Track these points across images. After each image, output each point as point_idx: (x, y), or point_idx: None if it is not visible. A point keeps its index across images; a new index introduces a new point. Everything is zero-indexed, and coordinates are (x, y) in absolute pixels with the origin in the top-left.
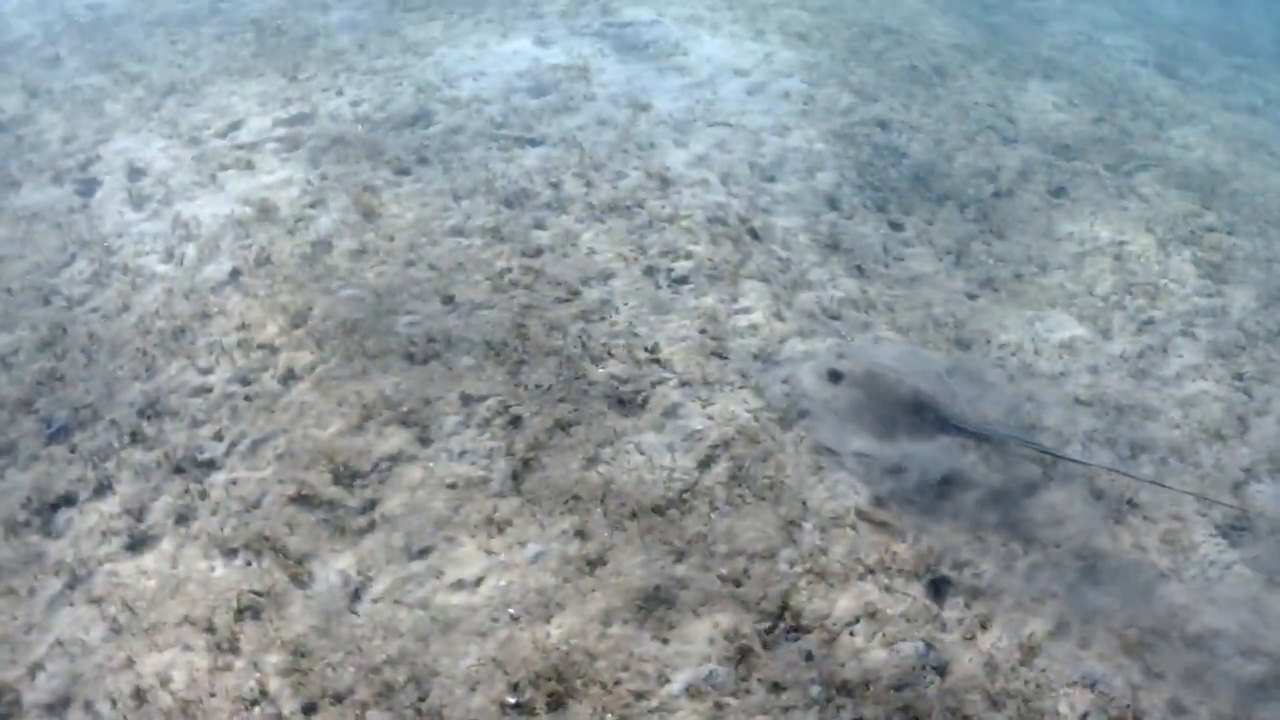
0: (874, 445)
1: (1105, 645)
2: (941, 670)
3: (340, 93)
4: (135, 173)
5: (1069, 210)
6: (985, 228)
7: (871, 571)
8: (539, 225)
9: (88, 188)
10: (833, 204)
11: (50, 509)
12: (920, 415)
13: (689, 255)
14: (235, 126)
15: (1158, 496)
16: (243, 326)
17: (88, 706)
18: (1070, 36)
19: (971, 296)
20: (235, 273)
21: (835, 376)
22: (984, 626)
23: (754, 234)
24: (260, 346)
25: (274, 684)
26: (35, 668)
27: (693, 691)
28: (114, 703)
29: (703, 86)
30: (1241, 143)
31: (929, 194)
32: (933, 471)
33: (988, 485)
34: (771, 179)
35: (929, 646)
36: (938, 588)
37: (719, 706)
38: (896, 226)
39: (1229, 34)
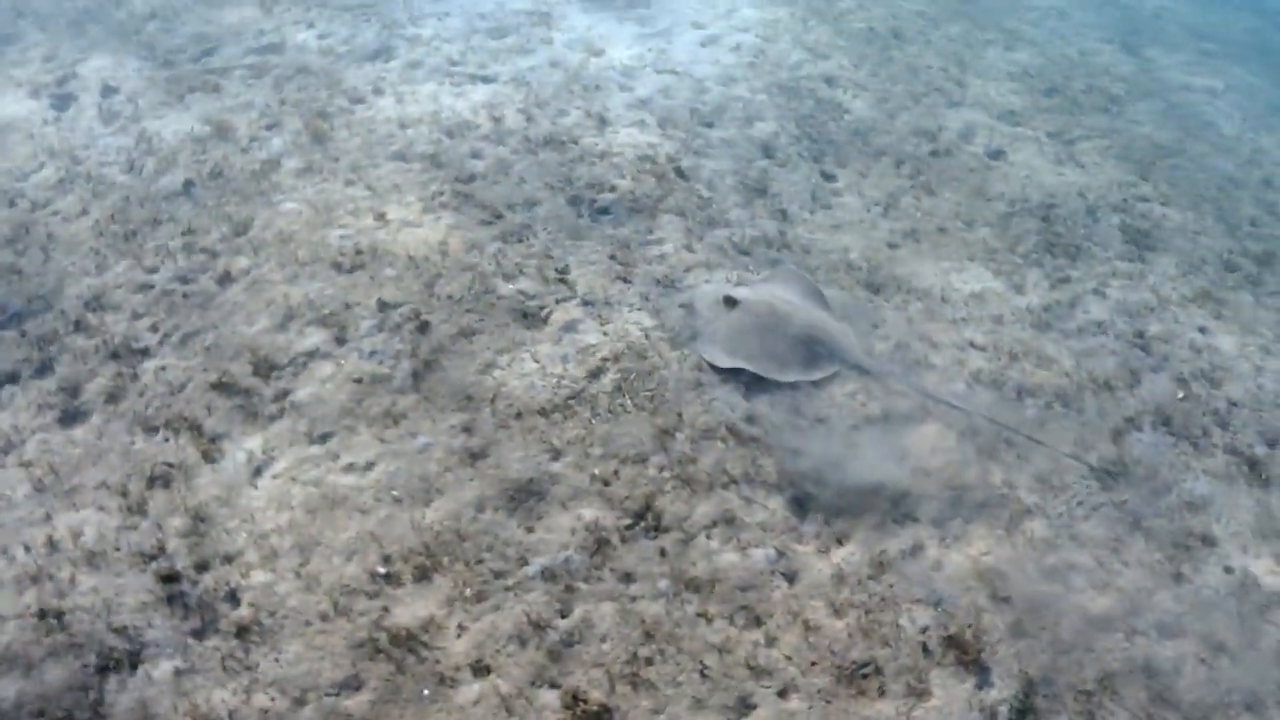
0: (757, 369)
1: (957, 569)
2: (790, 577)
3: (311, 25)
4: (109, 90)
5: (1004, 172)
6: (918, 183)
7: (735, 482)
8: (475, 155)
9: (62, 103)
10: (767, 152)
11: None
12: (809, 347)
13: (613, 189)
14: (209, 53)
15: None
16: (189, 232)
17: (3, 551)
18: (1041, 11)
19: (892, 246)
20: (189, 184)
21: (730, 302)
22: (840, 542)
23: (680, 173)
24: (202, 250)
25: (173, 543)
26: None
27: (548, 575)
28: (28, 549)
29: (658, 36)
30: (1193, 122)
31: (866, 149)
32: (806, 401)
33: (861, 415)
34: (710, 124)
35: (780, 554)
36: (800, 503)
37: (569, 590)
38: (829, 177)
39: (1207, 21)
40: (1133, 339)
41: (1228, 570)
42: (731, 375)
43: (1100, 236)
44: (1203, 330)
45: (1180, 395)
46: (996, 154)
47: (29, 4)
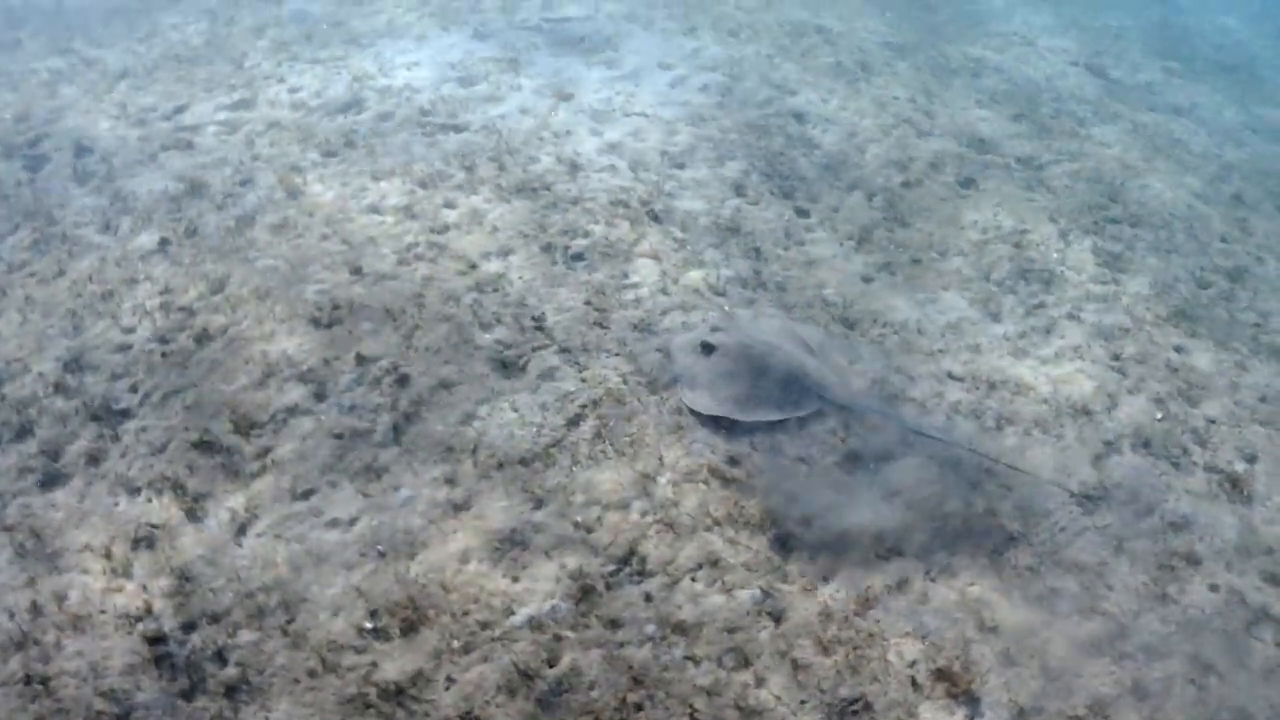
0: (738, 412)
1: (944, 601)
2: (777, 617)
3: (282, 80)
4: (82, 150)
5: (975, 200)
6: (890, 215)
7: (719, 524)
8: (449, 204)
9: (36, 163)
10: (739, 190)
11: None
12: (787, 387)
13: (587, 234)
14: (180, 110)
15: (1016, 464)
16: (166, 291)
17: None
18: (1004, 38)
19: (867, 280)
20: (164, 242)
21: (707, 348)
22: (825, 579)
23: (654, 216)
24: (180, 309)
25: (159, 604)
26: None
27: (534, 624)
28: (11, 615)
29: (626, 79)
30: (1161, 139)
31: (838, 183)
32: (787, 441)
33: (843, 451)
34: (681, 166)
35: (766, 594)
36: (784, 542)
37: (557, 638)
38: (802, 213)
39: (1167, 40)
40: (1109, 362)
41: (1213, 589)
42: (713, 418)
43: (1073, 261)
44: (1179, 349)
45: (1159, 416)
46: (967, 182)
47: None
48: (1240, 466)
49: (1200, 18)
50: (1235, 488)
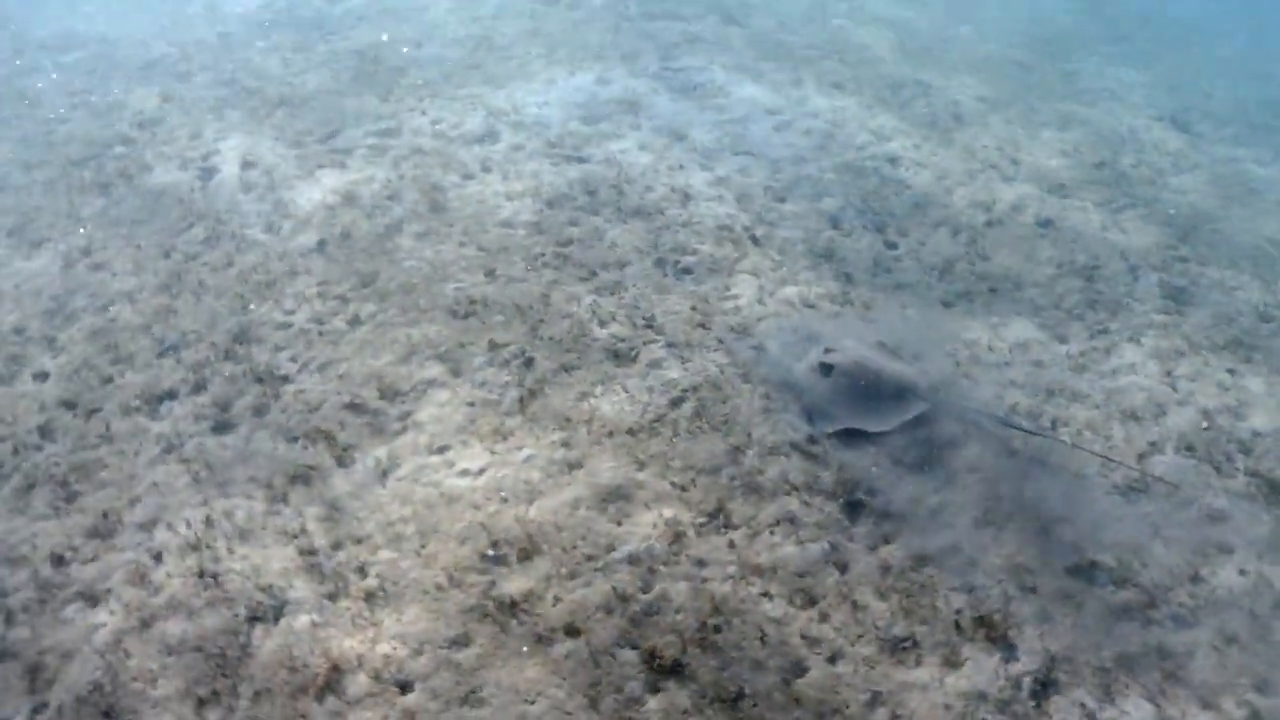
0: (868, 424)
1: (989, 565)
2: (842, 567)
3: (424, 113)
4: (247, 165)
5: (1053, 239)
6: (973, 250)
7: (796, 489)
8: (573, 222)
9: (207, 174)
10: (834, 223)
11: (157, 400)
12: (899, 395)
13: (695, 252)
14: (333, 135)
15: (1065, 459)
16: (323, 283)
17: (169, 526)
18: (1095, 94)
19: (946, 304)
20: (321, 243)
21: (826, 369)
22: (886, 540)
23: (755, 240)
24: (335, 298)
25: (311, 525)
26: (134, 500)
27: (632, 559)
28: (188, 524)
29: (736, 123)
30: (1238, 189)
31: (926, 220)
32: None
33: (915, 438)
34: (782, 200)
35: (833, 548)
36: (853, 509)
37: (651, 571)
38: (890, 245)
39: (1260, 98)
40: (1162, 378)
41: (1242, 573)
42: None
43: (1140, 293)
44: (1231, 371)
45: (1204, 425)
46: (1046, 223)
47: (174, 92)
48: None
49: None
50: (1274, 492)
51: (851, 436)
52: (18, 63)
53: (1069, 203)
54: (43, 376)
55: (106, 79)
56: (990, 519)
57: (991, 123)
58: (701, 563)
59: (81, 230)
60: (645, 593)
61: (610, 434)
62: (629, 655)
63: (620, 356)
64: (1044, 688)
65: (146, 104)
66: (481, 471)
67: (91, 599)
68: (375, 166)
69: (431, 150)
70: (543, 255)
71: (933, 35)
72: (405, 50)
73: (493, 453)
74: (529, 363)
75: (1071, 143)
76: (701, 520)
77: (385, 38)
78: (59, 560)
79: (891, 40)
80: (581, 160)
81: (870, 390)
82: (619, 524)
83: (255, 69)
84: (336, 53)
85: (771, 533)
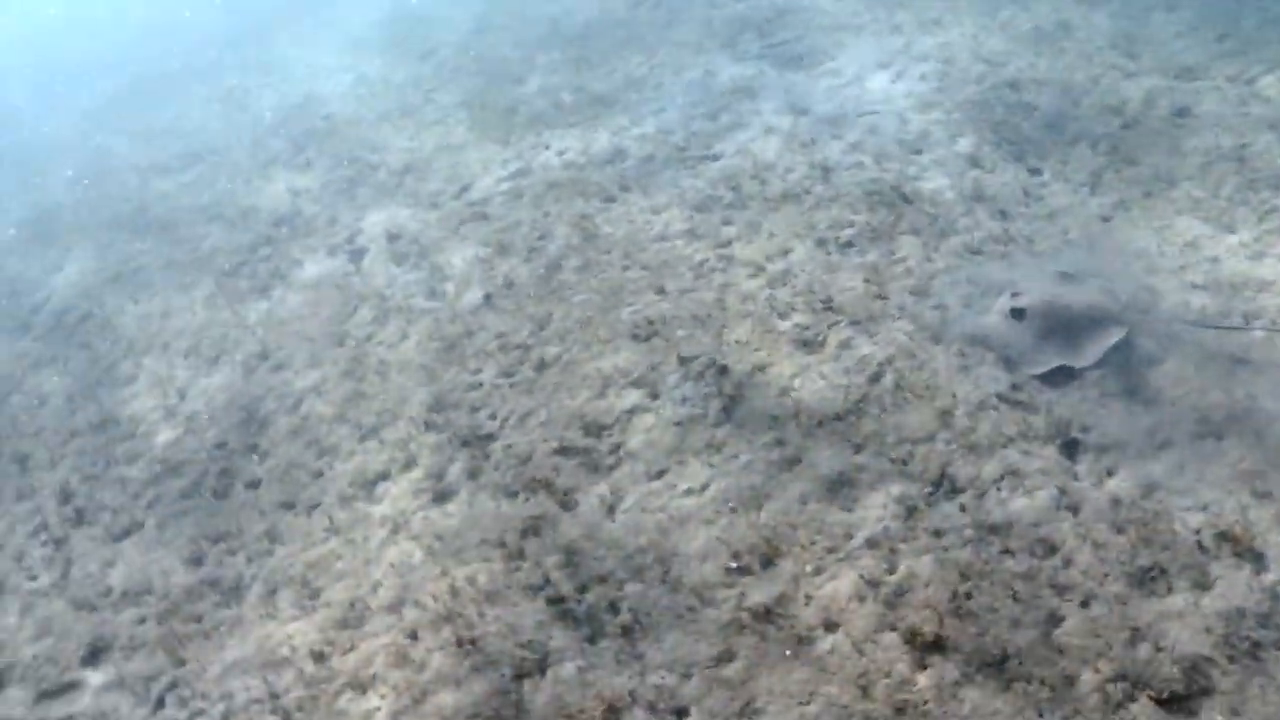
0: (1075, 359)
1: (1217, 477)
2: (1074, 509)
3: (547, 146)
4: (393, 237)
5: (1193, 127)
6: (1116, 158)
7: (1012, 440)
8: (726, 222)
9: (357, 255)
10: (974, 162)
11: (371, 484)
12: (1096, 324)
13: (851, 224)
14: (465, 189)
15: (1269, 353)
16: (500, 335)
17: (417, 603)
18: None
19: (1105, 219)
20: (488, 296)
21: (1018, 313)
22: (1110, 474)
23: (905, 198)
24: (516, 347)
25: (554, 574)
26: (376, 585)
27: (872, 542)
28: (434, 598)
29: (852, 84)
30: None
31: (1061, 138)
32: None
33: (1116, 362)
34: (918, 151)
35: (1061, 492)
36: (1070, 448)
37: (893, 551)
38: (1034, 172)
39: None
40: None
41: None
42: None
43: None
44: None
45: None
46: (1182, 111)
47: (298, 184)
48: None
49: None
50: None
51: (1053, 375)
52: (145, 193)
53: (1200, 84)
54: (255, 485)
55: (232, 187)
56: (1208, 430)
57: (1096, 21)
58: (938, 533)
59: (253, 337)
60: (891, 574)
61: (819, 423)
62: (890, 638)
63: (809, 344)
64: None
65: (277, 202)
66: (705, 487)
67: (360, 686)
68: (517, 210)
69: (566, 181)
70: (706, 260)
71: None
72: (507, 88)
73: (711, 466)
74: (723, 370)
75: (1185, 22)
76: (929, 490)
77: (484, 81)
78: (319, 656)
79: None
80: (715, 158)
81: (1066, 325)
82: (850, 511)
83: (370, 143)
84: (444, 108)
85: (998, 489)
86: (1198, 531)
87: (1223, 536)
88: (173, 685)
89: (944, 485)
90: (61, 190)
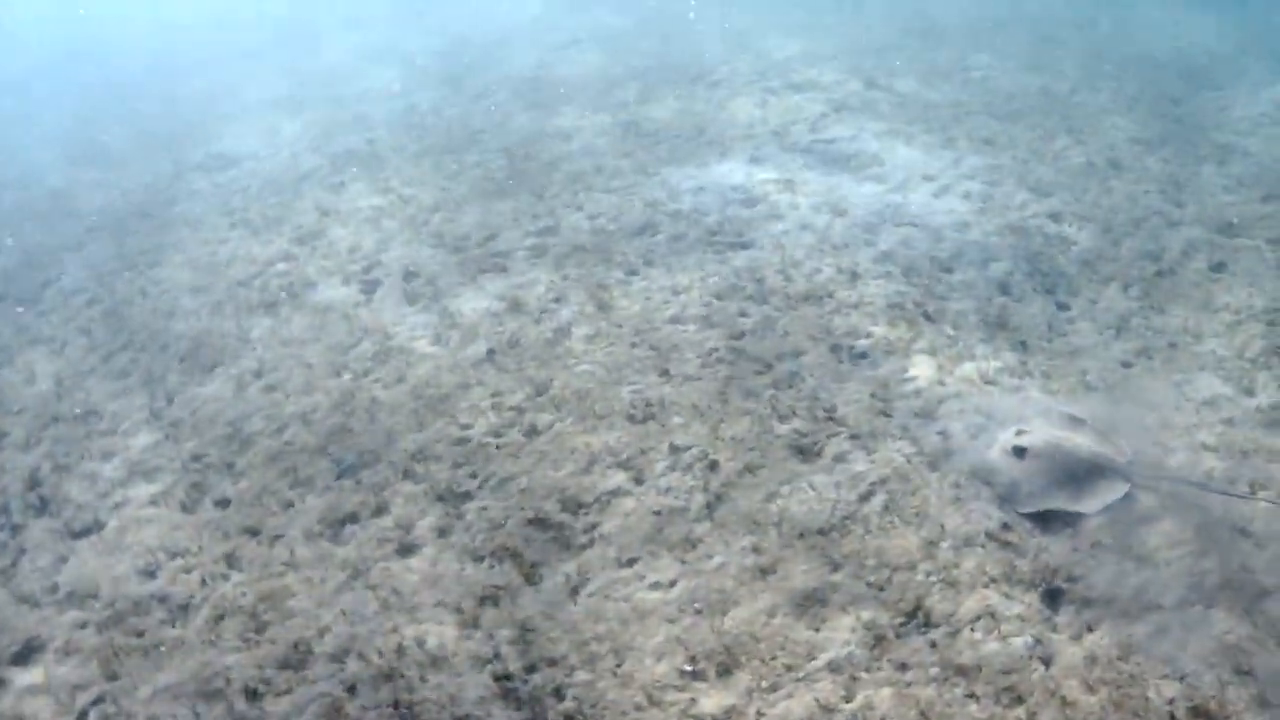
0: (1069, 504)
1: (1200, 648)
2: (1047, 661)
3: (579, 208)
4: (409, 275)
5: (1227, 284)
6: (1147, 304)
7: (995, 581)
8: (743, 313)
9: (370, 287)
10: (1004, 289)
11: (339, 524)
12: (1096, 473)
13: (869, 335)
14: (491, 238)
15: (1271, 526)
16: (496, 394)
17: (360, 655)
18: (1251, 121)
19: (1126, 364)
20: (491, 352)
21: (1020, 451)
22: (1090, 629)
23: (927, 316)
24: (510, 409)
25: (505, 649)
26: (323, 630)
27: (834, 666)
28: (380, 653)
29: (894, 191)
30: None
31: (1095, 277)
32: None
33: (1112, 514)
34: (949, 270)
35: (1037, 641)
36: (1053, 597)
37: (853, 679)
38: (1063, 307)
39: None
40: None
41: None
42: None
43: None
44: None
45: None
46: (1218, 266)
47: (329, 205)
48: None
49: None
50: None
51: (1047, 519)
52: (178, 185)
53: (1240, 241)
54: (224, 503)
55: (262, 196)
56: (1198, 597)
57: (1149, 165)
58: (904, 666)
59: (252, 352)
60: (848, 702)
61: (801, 535)
62: None
63: (805, 452)
64: None
65: (304, 218)
66: (673, 583)
67: None
68: (537, 268)
69: (592, 247)
70: (716, 350)
71: (1078, 77)
72: (554, 144)
73: (683, 562)
74: (712, 465)
75: (1234, 177)
76: (900, 620)
77: (531, 133)
78: (253, 694)
79: (1038, 85)
80: (745, 246)
81: (1068, 470)
82: (817, 630)
83: (407, 176)
84: (485, 151)
85: (972, 629)
86: (1171, 702)
87: (1196, 711)
88: (99, 699)
89: (917, 617)
90: None
